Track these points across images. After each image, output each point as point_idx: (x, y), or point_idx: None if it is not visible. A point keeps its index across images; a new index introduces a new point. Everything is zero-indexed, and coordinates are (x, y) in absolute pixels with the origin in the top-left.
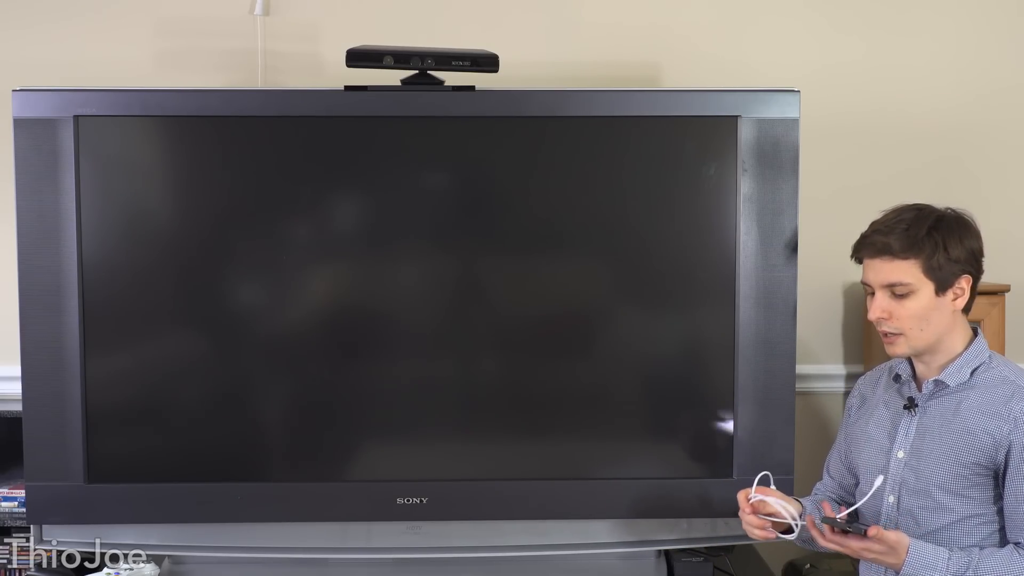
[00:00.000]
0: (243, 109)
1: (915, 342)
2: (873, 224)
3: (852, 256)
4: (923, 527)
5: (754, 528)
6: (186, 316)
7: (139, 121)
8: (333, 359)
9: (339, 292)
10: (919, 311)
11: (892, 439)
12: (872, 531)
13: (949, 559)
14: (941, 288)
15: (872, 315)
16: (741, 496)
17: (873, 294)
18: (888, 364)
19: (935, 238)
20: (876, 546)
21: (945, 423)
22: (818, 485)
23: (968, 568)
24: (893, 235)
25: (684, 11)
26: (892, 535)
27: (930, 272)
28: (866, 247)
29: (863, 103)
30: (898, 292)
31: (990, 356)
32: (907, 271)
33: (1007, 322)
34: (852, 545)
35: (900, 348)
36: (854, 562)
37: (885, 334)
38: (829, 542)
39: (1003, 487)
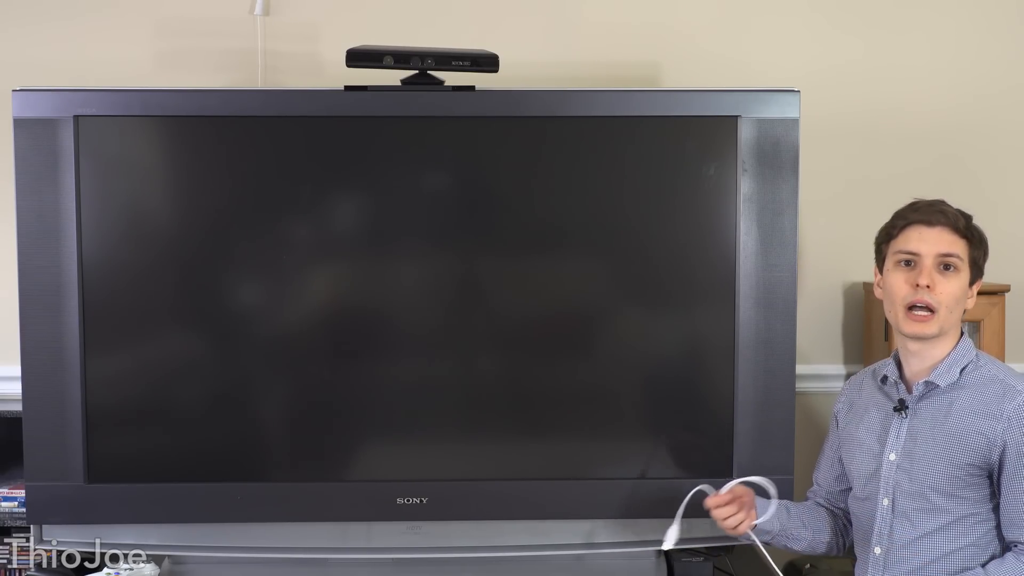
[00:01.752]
0: (243, 109)
1: (944, 323)
2: (919, 201)
3: (897, 224)
4: (919, 529)
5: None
6: (186, 316)
7: (139, 121)
8: (333, 359)
9: (339, 292)
10: (956, 292)
11: (882, 443)
12: None
13: None
14: (971, 281)
15: (923, 280)
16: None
17: (907, 263)
18: (871, 367)
19: (979, 232)
20: None
21: (937, 424)
22: (809, 492)
23: None
24: (951, 211)
25: (684, 10)
26: None
27: (971, 260)
28: (927, 213)
29: (863, 103)
30: (949, 264)
31: (977, 355)
32: (960, 247)
33: (1007, 322)
34: None
35: (931, 327)
36: (853, 562)
37: (919, 308)
38: None
39: (999, 487)
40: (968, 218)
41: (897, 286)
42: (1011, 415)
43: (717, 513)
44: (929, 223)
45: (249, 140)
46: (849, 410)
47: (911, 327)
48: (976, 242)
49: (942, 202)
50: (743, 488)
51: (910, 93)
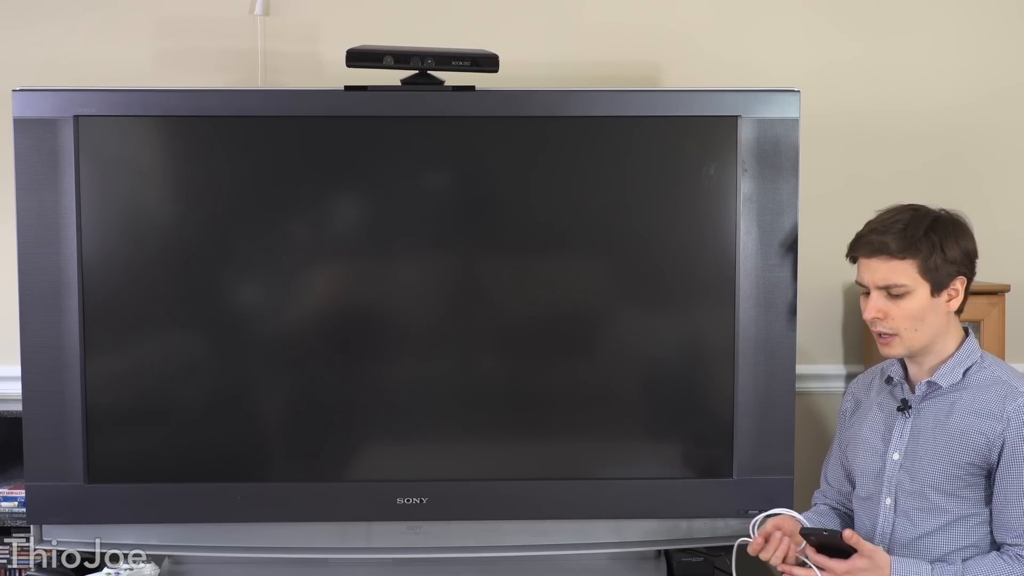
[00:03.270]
0: (243, 109)
1: (910, 343)
2: (869, 224)
3: (848, 255)
4: (918, 529)
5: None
6: (186, 316)
7: (139, 121)
8: (333, 359)
9: (339, 292)
10: (915, 312)
11: (886, 442)
12: (847, 533)
13: (932, 570)
14: (937, 289)
15: (867, 315)
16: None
17: (868, 294)
18: (880, 366)
19: (932, 239)
20: (860, 563)
21: (939, 424)
22: (817, 493)
23: None
24: (890, 235)
25: (684, 10)
26: (868, 546)
27: (927, 273)
28: (862, 246)
29: (863, 103)
30: (894, 292)
31: (982, 356)
32: (904, 272)
33: (1007, 322)
34: (837, 568)
35: (895, 349)
36: None
37: (880, 334)
38: (814, 562)
39: (994, 485)
40: (916, 229)
41: (862, 311)
42: (1011, 415)
43: (763, 556)
44: (867, 254)
45: (249, 140)
46: (856, 409)
47: (880, 349)
48: (927, 252)
49: (886, 222)
50: (780, 519)
51: (910, 93)
